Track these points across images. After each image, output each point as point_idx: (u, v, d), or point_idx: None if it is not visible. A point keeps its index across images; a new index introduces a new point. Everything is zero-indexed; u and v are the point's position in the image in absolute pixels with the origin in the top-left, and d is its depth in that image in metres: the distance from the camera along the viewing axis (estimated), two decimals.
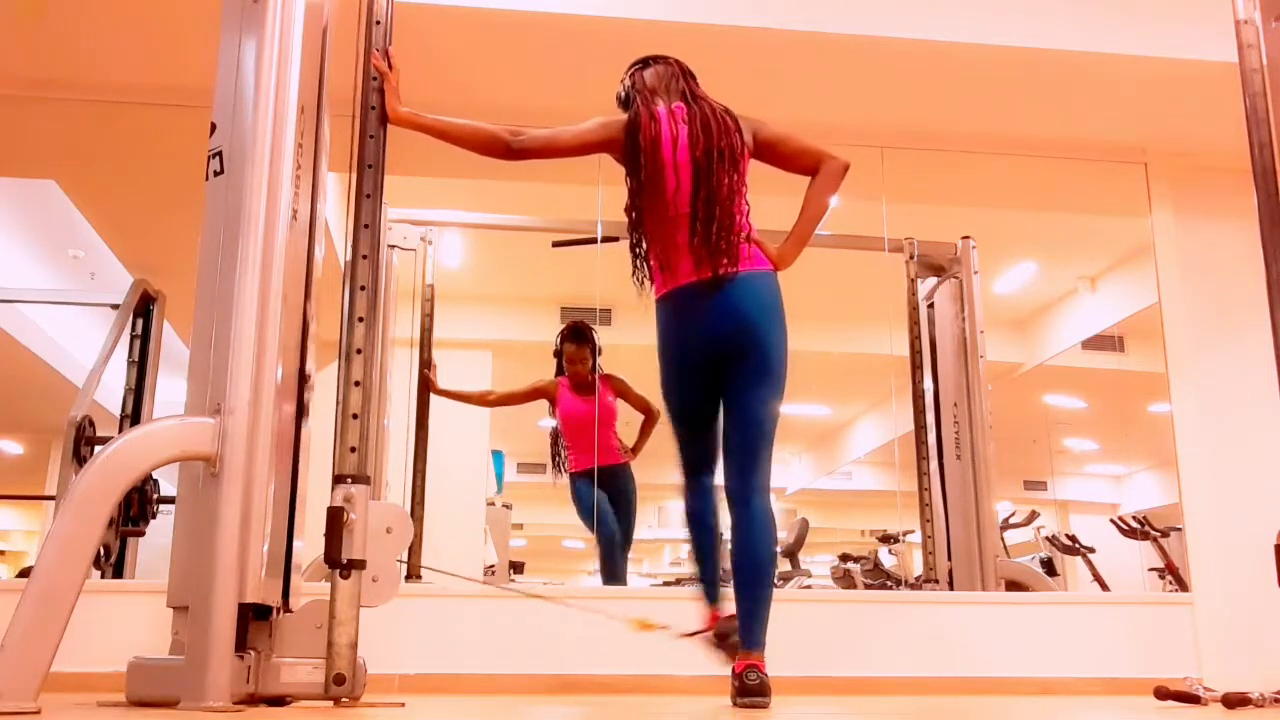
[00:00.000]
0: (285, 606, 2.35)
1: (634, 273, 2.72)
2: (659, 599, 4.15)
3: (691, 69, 2.84)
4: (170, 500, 2.69)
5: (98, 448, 2.55)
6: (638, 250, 2.71)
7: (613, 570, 4.59)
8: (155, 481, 3.72)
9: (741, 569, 2.55)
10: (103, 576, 3.82)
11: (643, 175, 2.64)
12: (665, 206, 2.64)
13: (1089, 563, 5.52)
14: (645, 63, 2.83)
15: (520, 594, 3.88)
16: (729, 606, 2.66)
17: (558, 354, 4.76)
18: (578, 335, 4.69)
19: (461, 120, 2.65)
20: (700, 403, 2.72)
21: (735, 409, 2.64)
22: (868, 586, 5.79)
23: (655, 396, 4.64)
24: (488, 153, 2.64)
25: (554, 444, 4.80)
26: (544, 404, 4.84)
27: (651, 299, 2.72)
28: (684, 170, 2.64)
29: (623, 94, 2.82)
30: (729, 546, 2.63)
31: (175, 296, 4.34)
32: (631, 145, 2.65)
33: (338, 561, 2.27)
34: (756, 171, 2.76)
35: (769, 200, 2.77)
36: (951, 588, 4.42)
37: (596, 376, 4.68)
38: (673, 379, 2.73)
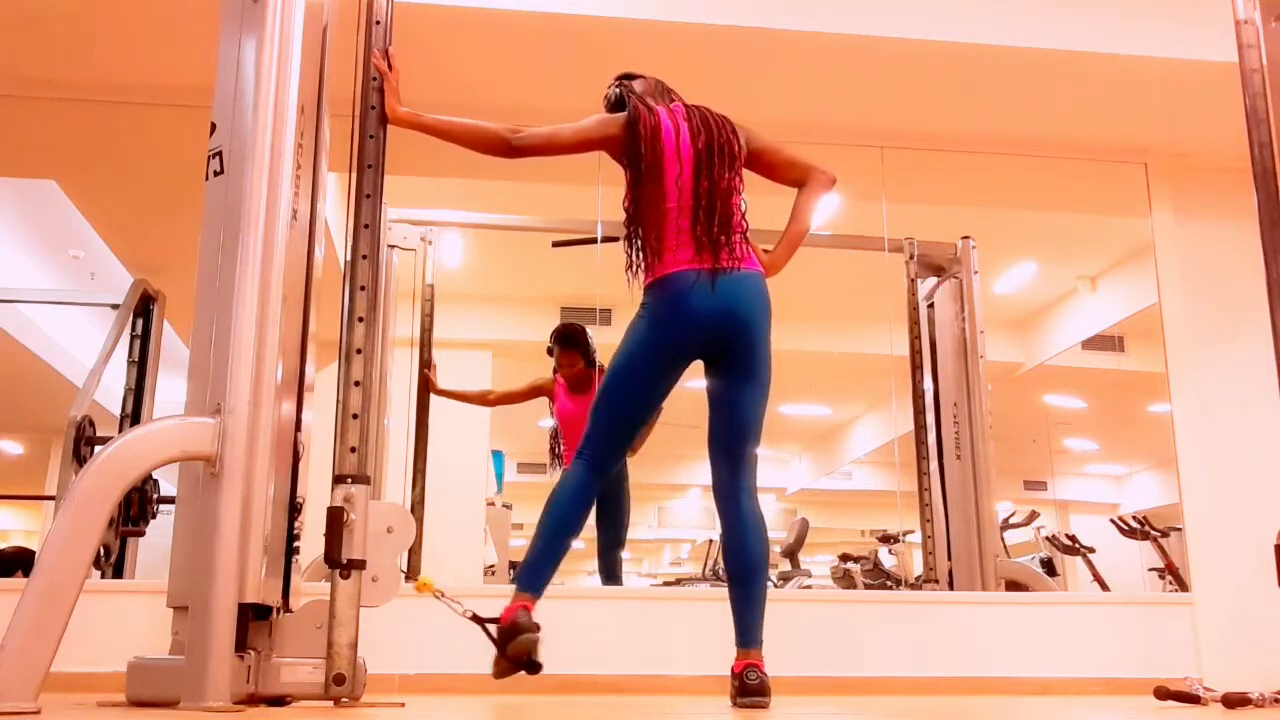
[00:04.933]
0: (285, 606, 2.35)
1: (629, 265, 2.67)
2: (659, 599, 4.14)
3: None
4: (170, 500, 2.69)
5: (98, 448, 2.55)
6: (634, 241, 2.66)
7: (606, 571, 4.59)
8: (155, 481, 3.72)
9: (736, 569, 2.55)
10: (103, 576, 3.82)
11: (643, 163, 2.62)
12: (666, 196, 2.62)
13: (1089, 563, 5.51)
14: (628, 76, 2.85)
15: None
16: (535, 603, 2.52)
17: (551, 353, 4.76)
18: (564, 341, 4.68)
19: (461, 119, 2.64)
20: (656, 395, 2.66)
21: (728, 409, 2.62)
22: (868, 586, 5.79)
23: None
24: (488, 151, 2.64)
25: (553, 440, 4.80)
26: (544, 403, 4.84)
27: None
28: (686, 160, 2.64)
29: (613, 96, 2.81)
30: (721, 547, 2.61)
31: (175, 296, 4.34)
32: (631, 135, 2.65)
33: (338, 561, 2.27)
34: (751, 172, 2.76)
35: (767, 199, 2.77)
36: (951, 588, 4.42)
37: (594, 372, 4.67)
38: (642, 363, 2.61)
